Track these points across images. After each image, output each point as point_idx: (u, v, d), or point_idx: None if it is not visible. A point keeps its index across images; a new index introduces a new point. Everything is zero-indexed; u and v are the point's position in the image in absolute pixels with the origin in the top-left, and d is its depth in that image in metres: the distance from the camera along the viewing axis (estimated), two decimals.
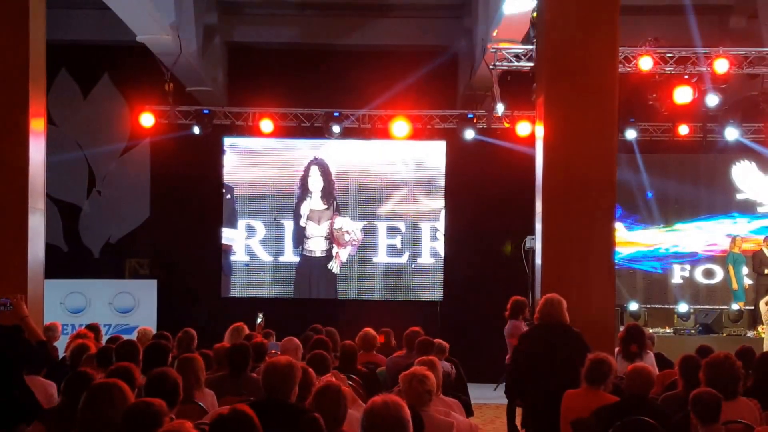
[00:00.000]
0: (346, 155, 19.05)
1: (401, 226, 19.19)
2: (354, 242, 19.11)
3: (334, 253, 19.19)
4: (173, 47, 15.55)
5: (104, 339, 11.68)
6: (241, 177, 18.89)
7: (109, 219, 18.91)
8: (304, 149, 18.91)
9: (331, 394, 5.82)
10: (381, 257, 19.27)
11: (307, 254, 19.14)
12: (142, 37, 15.13)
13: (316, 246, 19.16)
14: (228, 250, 18.80)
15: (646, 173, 18.50)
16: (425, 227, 18.97)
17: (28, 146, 10.50)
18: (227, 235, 18.80)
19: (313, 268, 19.17)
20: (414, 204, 19.07)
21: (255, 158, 18.98)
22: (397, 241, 19.20)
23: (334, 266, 19.15)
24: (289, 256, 19.12)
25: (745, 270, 17.60)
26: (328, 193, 19.07)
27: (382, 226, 19.26)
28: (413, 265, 19.13)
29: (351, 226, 19.13)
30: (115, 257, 18.75)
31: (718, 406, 6.16)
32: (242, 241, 18.93)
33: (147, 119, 17.26)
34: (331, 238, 19.12)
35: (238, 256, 18.95)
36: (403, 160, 19.03)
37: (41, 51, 10.84)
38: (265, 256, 19.05)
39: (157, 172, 18.60)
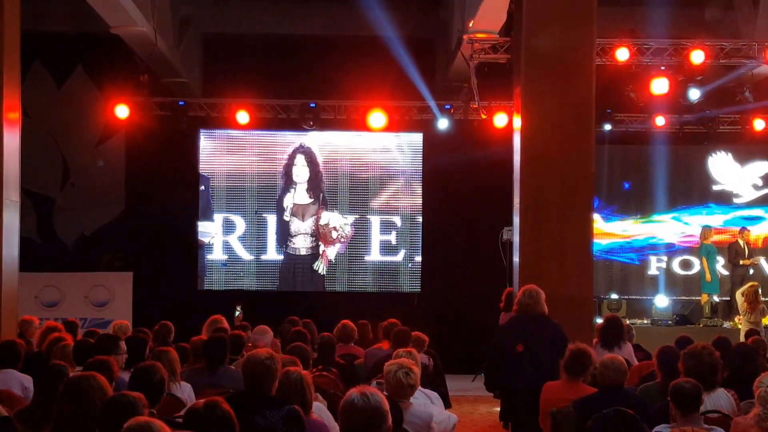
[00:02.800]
0: (334, 142, 18.27)
1: (397, 220, 18.31)
2: (343, 239, 18.17)
3: (320, 252, 18.23)
4: (148, 38, 15.43)
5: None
6: (217, 166, 18.17)
7: (84, 211, 18.75)
8: (287, 135, 18.24)
9: (294, 382, 5.84)
10: (374, 255, 18.29)
11: (292, 252, 18.19)
12: (116, 28, 15.01)
13: (301, 243, 18.21)
14: (202, 246, 18.13)
15: (623, 164, 18.59)
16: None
17: (2, 138, 10.43)
18: (202, 230, 18.12)
19: (297, 267, 18.20)
20: (410, 196, 18.24)
21: (233, 145, 18.26)
22: (392, 237, 18.30)
23: (320, 266, 18.19)
24: (272, 254, 18.23)
25: (720, 261, 17.68)
26: (314, 185, 18.19)
27: (375, 221, 18.31)
28: (410, 265, 18.25)
29: (339, 222, 18.17)
30: (90, 250, 18.60)
31: (698, 396, 6.16)
32: (219, 237, 18.22)
33: (122, 111, 17.13)
34: (317, 234, 18.20)
35: (216, 254, 18.24)
36: (398, 145, 18.24)
37: (15, 42, 10.75)
38: (245, 255, 18.26)
39: (133, 164, 18.45)
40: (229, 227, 18.27)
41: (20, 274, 11.08)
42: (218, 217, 18.27)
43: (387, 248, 18.30)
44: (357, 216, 18.30)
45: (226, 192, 18.28)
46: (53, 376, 5.80)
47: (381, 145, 18.32)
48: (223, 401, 4.51)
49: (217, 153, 18.28)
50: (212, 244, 18.26)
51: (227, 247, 18.30)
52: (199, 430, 3.76)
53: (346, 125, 17.93)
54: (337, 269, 18.32)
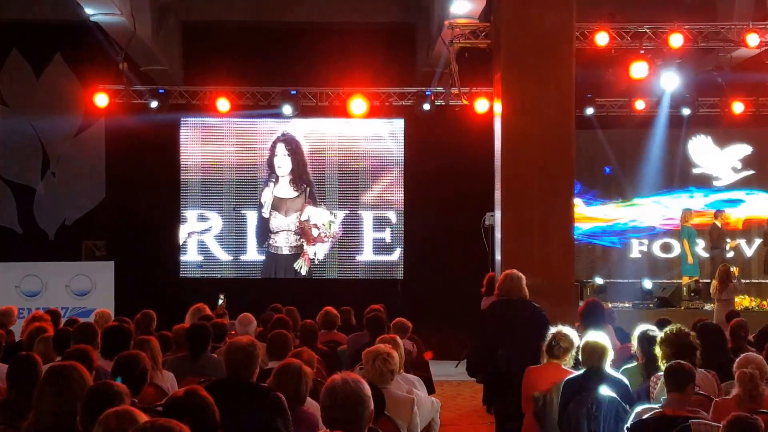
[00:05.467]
0: (321, 129, 17.58)
1: (392, 216, 17.53)
2: (326, 237, 17.29)
3: (302, 251, 17.33)
4: (127, 26, 15.34)
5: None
6: (190, 157, 17.62)
7: (65, 200, 18.66)
8: (268, 123, 17.62)
9: (292, 373, 5.82)
10: (366, 254, 17.44)
11: (273, 251, 17.30)
12: (94, 15, 14.92)
13: (283, 242, 17.33)
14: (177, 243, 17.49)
15: (603, 149, 18.63)
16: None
17: None
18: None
19: (279, 268, 17.31)
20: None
21: (207, 135, 17.70)
22: (387, 235, 17.48)
23: (302, 267, 17.33)
24: (253, 254, 17.50)
25: (701, 243, 17.77)
26: (298, 177, 17.34)
27: (367, 217, 17.43)
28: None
29: (322, 218, 17.25)
30: (71, 239, 18.52)
31: (690, 377, 6.22)
32: (194, 236, 17.59)
33: (101, 99, 17.05)
34: (300, 232, 17.34)
35: (190, 255, 17.58)
36: (391, 133, 17.49)
37: None
38: (223, 255, 17.59)
39: (113, 152, 18.35)
40: (204, 225, 17.69)
41: (1, 264, 11.03)
42: (191, 214, 17.66)
43: (381, 247, 17.62)
44: (347, 212, 17.54)
45: (200, 186, 17.66)
46: (22, 367, 5.77)
47: (372, 133, 17.72)
48: (203, 389, 4.51)
49: (189, 143, 17.71)
50: (186, 243, 17.69)
51: (202, 247, 17.75)
52: (180, 419, 3.76)
53: (328, 112, 17.85)
54: (326, 269, 17.55)
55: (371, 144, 17.72)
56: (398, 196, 17.74)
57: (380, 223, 17.65)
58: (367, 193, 17.64)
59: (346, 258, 17.60)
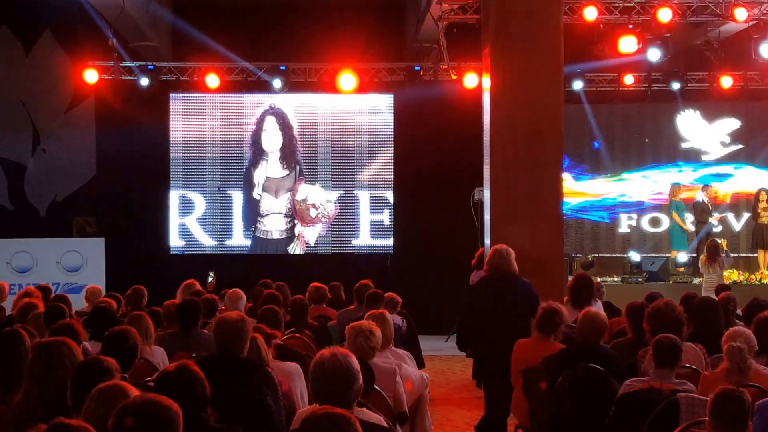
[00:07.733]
0: (311, 103, 16.94)
1: (390, 196, 16.89)
2: (323, 219, 16.50)
3: (296, 233, 16.50)
4: (116, 2, 15.28)
5: None
6: (172, 134, 17.17)
7: (55, 177, 18.62)
8: (255, 96, 17.05)
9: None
10: (363, 238, 16.66)
11: (261, 236, 16.50)
12: None
13: (274, 225, 16.53)
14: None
15: (592, 123, 18.65)
16: None
17: None
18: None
19: (269, 253, 16.48)
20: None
21: (190, 109, 17.19)
22: (385, 217, 16.75)
23: (297, 249, 16.47)
24: (239, 239, 16.79)
25: (690, 217, 17.84)
26: (288, 154, 16.64)
27: (363, 197, 16.67)
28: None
29: (320, 198, 16.41)
30: (62, 216, 18.50)
31: (677, 352, 6.26)
32: (175, 218, 17.11)
33: (91, 75, 17.04)
34: (294, 213, 16.49)
35: (171, 240, 17.05)
36: (388, 106, 16.89)
37: None
38: (207, 240, 16.98)
39: (103, 128, 18.31)
40: (186, 207, 17.29)
41: None
42: (173, 195, 17.19)
43: (378, 230, 17.03)
44: (342, 192, 16.91)
45: (182, 164, 17.17)
46: (7, 342, 5.78)
47: (364, 107, 17.24)
48: (194, 364, 4.55)
49: (179, 119, 17.29)
50: (168, 226, 17.28)
51: (185, 232, 17.36)
52: (171, 394, 3.80)
53: (317, 87, 17.82)
54: (318, 253, 16.88)
55: (367, 117, 17.28)
56: (389, 172, 17.39)
57: (377, 204, 17.03)
58: (362, 172, 17.08)
59: (341, 242, 16.94)
